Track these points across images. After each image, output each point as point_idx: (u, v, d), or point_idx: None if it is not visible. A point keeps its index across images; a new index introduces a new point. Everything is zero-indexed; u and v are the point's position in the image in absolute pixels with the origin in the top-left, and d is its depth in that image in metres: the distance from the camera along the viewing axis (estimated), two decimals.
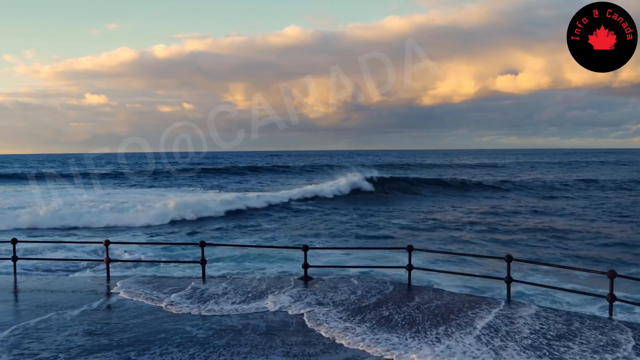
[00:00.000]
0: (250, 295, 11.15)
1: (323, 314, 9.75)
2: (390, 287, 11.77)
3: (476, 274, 14.64)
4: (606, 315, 9.93)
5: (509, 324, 9.03)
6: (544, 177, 66.53)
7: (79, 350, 8.03)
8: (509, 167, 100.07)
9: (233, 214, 33.60)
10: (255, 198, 37.82)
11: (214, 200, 35.66)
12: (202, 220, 31.43)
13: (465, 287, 14.76)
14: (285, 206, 38.06)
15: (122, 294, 11.41)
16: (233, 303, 10.61)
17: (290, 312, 9.99)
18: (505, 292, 11.17)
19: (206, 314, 9.96)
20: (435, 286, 14.37)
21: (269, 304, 10.47)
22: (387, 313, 9.81)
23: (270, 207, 37.06)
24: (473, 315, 9.56)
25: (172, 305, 10.52)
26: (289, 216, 33.81)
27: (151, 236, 26.22)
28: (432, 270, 14.00)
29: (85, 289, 11.93)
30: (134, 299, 11.01)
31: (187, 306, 10.42)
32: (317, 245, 22.17)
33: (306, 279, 12.38)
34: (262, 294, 11.18)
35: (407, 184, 51.41)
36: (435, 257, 18.56)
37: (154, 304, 10.61)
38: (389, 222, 30.17)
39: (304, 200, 41.28)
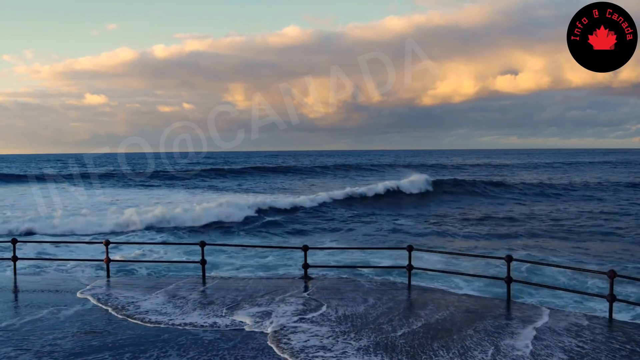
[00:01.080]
0: (233, 305, 10.20)
1: (304, 331, 8.58)
2: (394, 289, 11.69)
3: (477, 274, 14.62)
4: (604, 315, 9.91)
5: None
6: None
7: (65, 354, 7.71)
8: (549, 167, 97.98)
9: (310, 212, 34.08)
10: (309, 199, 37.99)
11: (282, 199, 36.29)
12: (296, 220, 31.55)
13: (485, 289, 14.72)
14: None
15: (90, 299, 10.78)
16: (215, 315, 9.58)
17: (263, 330, 8.74)
18: (545, 296, 10.21)
19: (166, 325, 8.97)
20: (454, 288, 14.29)
21: (247, 319, 9.30)
22: (389, 328, 8.69)
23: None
24: (497, 331, 8.44)
25: (133, 316, 9.58)
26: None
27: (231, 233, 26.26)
28: (432, 270, 13.99)
29: (82, 289, 11.90)
30: (100, 306, 10.26)
31: (152, 317, 9.44)
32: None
33: (306, 279, 12.40)
34: (247, 302, 10.34)
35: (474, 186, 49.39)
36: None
37: (117, 315, 9.68)
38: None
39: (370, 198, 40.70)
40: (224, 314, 9.71)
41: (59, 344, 8.14)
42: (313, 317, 9.43)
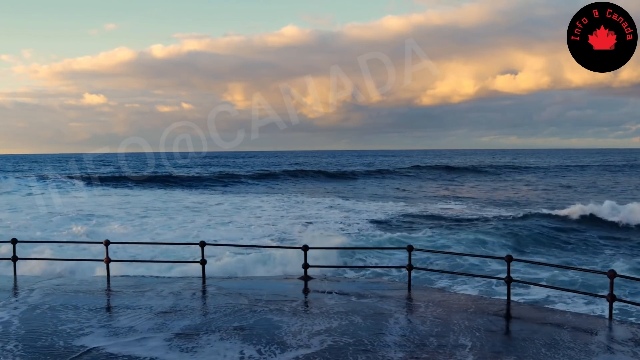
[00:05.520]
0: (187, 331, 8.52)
1: None
2: (397, 289, 11.69)
3: (478, 274, 14.65)
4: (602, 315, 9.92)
5: None
6: None
7: None
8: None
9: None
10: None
11: None
12: None
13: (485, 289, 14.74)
14: None
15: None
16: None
17: None
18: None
19: None
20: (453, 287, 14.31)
21: None
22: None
23: None
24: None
25: None
26: None
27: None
28: (432, 270, 14.01)
29: (83, 290, 11.91)
30: None
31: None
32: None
33: (306, 279, 12.41)
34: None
35: None
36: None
37: None
38: None
39: None
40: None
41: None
42: None
